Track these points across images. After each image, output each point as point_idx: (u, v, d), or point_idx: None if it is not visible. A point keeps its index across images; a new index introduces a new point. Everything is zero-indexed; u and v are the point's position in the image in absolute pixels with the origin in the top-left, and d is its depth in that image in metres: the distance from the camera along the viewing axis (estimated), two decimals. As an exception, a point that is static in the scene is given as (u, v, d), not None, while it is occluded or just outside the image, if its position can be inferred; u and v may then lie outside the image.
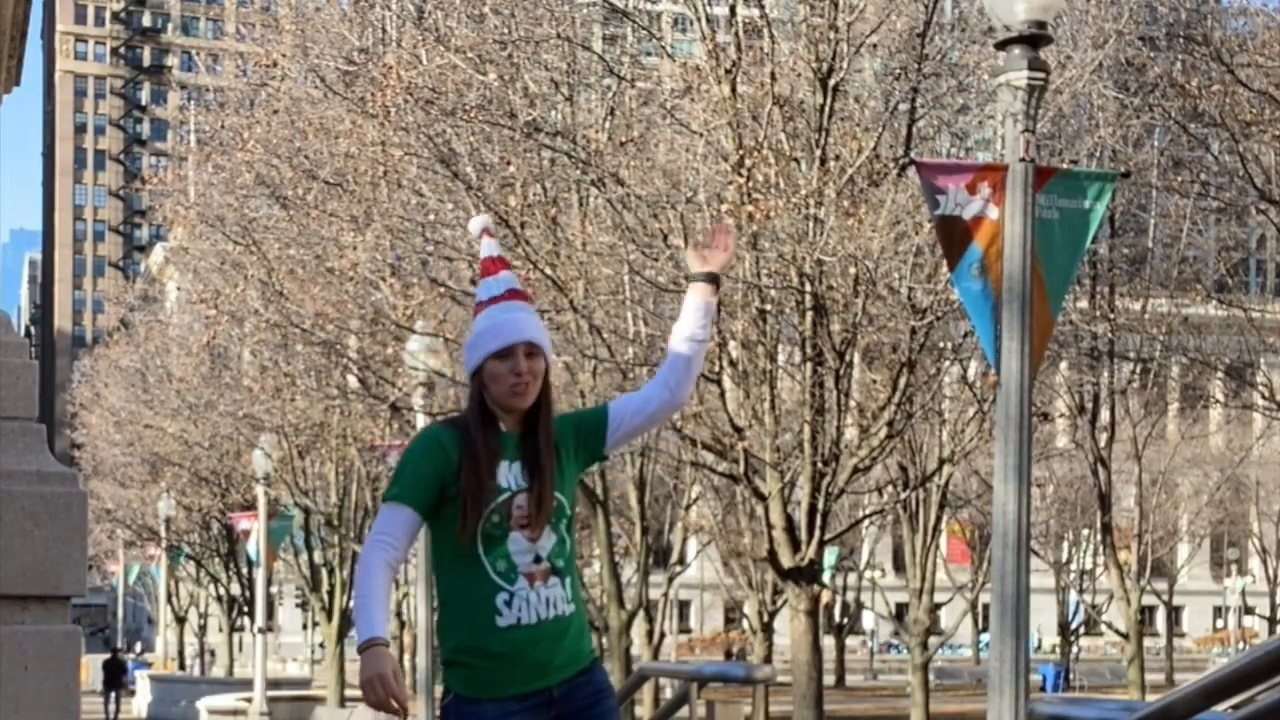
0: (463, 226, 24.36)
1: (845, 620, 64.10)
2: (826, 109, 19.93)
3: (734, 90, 19.97)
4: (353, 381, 30.74)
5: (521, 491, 4.35)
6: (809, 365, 20.45)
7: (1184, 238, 33.72)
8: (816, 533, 20.07)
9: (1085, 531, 54.32)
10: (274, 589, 56.31)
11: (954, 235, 9.64)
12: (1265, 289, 54.59)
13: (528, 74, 22.85)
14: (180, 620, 66.86)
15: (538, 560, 4.34)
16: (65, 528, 5.71)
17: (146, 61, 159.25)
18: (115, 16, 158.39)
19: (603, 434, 4.54)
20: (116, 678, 48.42)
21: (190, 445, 43.31)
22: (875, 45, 22.42)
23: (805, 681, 20.37)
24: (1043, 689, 48.91)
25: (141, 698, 47.85)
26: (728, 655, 69.52)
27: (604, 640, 27.81)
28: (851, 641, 70.69)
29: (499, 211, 21.41)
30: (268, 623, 36.67)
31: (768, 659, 34.62)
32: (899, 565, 62.67)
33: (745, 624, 60.69)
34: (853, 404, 22.29)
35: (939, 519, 32.66)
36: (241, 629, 60.41)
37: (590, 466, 4.57)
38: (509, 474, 4.37)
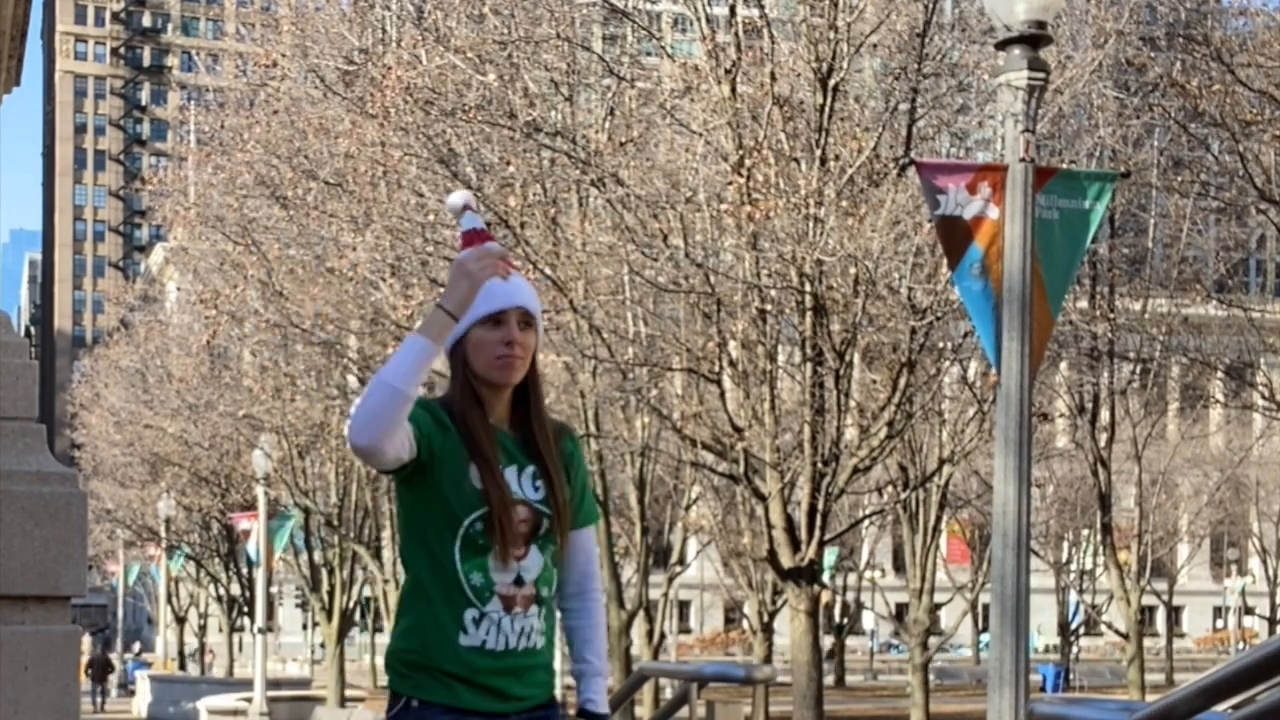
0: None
1: (845, 620, 64.10)
2: (826, 109, 19.92)
3: (734, 90, 19.98)
4: (353, 381, 30.76)
5: (522, 503, 3.83)
6: (809, 365, 20.45)
7: (1184, 238, 33.72)
8: (816, 533, 20.06)
9: (1085, 531, 54.30)
10: (274, 589, 56.32)
11: (955, 235, 9.64)
12: (1265, 289, 54.60)
13: (528, 74, 22.86)
14: (180, 620, 66.87)
15: (519, 583, 3.83)
16: (65, 528, 5.71)
17: (146, 61, 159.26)
18: (115, 16, 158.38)
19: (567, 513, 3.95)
20: (103, 675, 50.23)
21: (190, 445, 43.33)
22: (875, 45, 22.42)
23: (805, 681, 20.36)
24: (1043, 689, 48.90)
25: (141, 698, 47.87)
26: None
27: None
28: (851, 641, 70.68)
29: (499, 211, 21.42)
30: (268, 623, 36.64)
31: (768, 659, 34.62)
32: (899, 565, 62.69)
33: (745, 624, 60.68)
34: (853, 404, 22.28)
35: (939, 519, 32.64)
36: (241, 629, 60.42)
37: None
38: (516, 482, 3.85)
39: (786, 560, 20.12)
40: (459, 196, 4.06)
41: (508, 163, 22.15)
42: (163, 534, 51.85)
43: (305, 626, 72.26)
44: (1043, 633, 74.72)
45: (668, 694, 23.09)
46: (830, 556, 47.72)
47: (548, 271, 20.88)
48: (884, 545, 69.55)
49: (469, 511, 3.79)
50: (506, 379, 3.84)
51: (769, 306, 20.68)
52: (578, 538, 3.97)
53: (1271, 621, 66.28)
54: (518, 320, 3.83)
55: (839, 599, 62.30)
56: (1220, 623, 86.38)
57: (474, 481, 3.79)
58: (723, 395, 21.07)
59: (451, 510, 3.79)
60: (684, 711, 9.15)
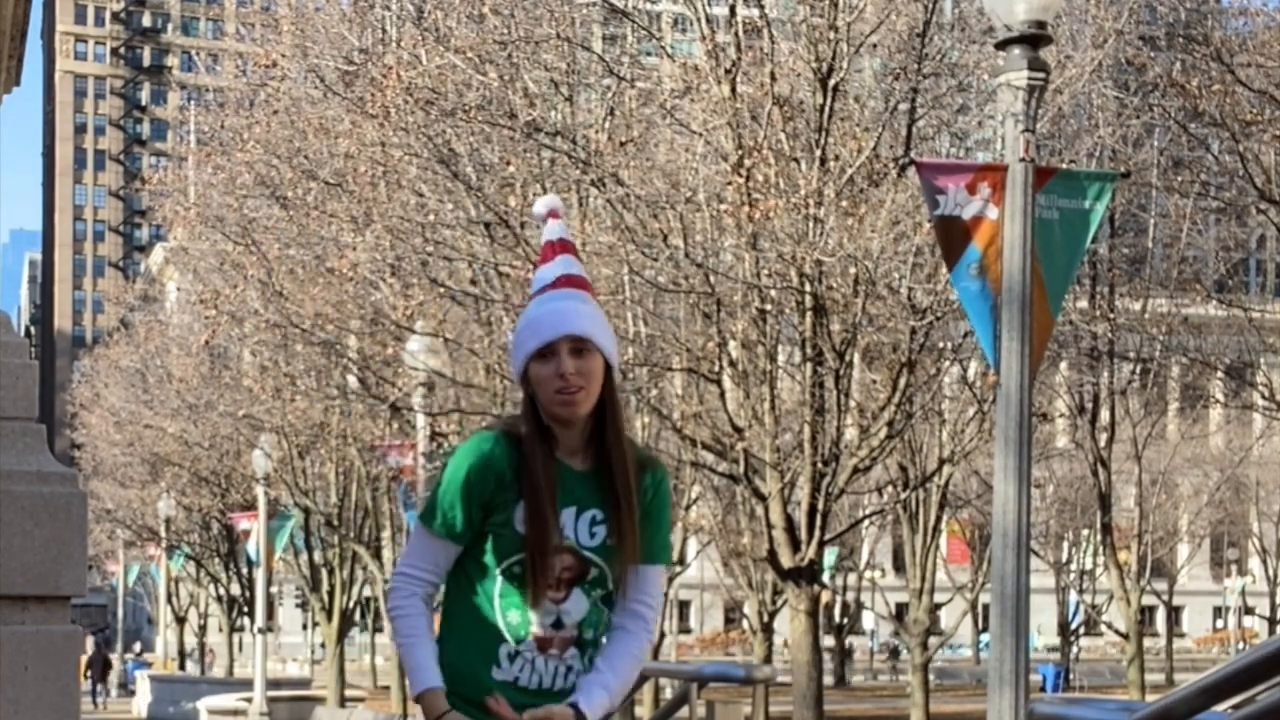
0: (463, 226, 24.40)
1: (845, 620, 64.12)
2: (826, 109, 19.92)
3: (734, 90, 19.98)
4: (353, 381, 30.73)
5: (569, 549, 3.69)
6: (809, 365, 20.44)
7: (1184, 238, 33.70)
8: (816, 533, 20.06)
9: (1085, 531, 54.32)
10: (274, 589, 56.33)
11: (953, 235, 9.64)
12: (1265, 289, 54.57)
13: (528, 74, 22.85)
14: (180, 620, 66.90)
15: (558, 625, 3.70)
16: (65, 528, 5.70)
17: (146, 61, 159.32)
18: (115, 16, 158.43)
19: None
20: (103, 672, 50.89)
21: (190, 445, 43.36)
22: (875, 45, 22.41)
23: (805, 681, 20.36)
24: (1043, 689, 48.90)
25: (141, 698, 47.89)
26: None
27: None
28: (851, 640, 70.67)
29: (499, 211, 21.42)
30: (268, 623, 36.64)
31: (768, 659, 34.61)
32: (899, 565, 62.68)
33: (745, 624, 60.67)
34: (853, 404, 22.28)
35: (939, 519, 32.63)
36: (241, 629, 60.46)
37: None
38: (571, 526, 3.69)
39: (786, 560, 20.11)
40: (544, 203, 3.94)
41: (508, 163, 22.15)
42: (163, 534, 51.89)
43: (305, 626, 72.28)
44: (1043, 633, 74.72)
45: (668, 694, 23.10)
46: (830, 556, 47.73)
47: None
48: (884, 545, 69.55)
49: (509, 554, 3.69)
50: (570, 414, 3.65)
51: (769, 306, 20.68)
52: (635, 572, 3.76)
53: (1271, 621, 66.28)
54: (569, 349, 3.64)
55: (839, 599, 62.31)
56: (1220, 623, 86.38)
57: (518, 525, 3.67)
58: (723, 395, 21.06)
59: (492, 551, 3.70)
60: (684, 711, 9.15)
